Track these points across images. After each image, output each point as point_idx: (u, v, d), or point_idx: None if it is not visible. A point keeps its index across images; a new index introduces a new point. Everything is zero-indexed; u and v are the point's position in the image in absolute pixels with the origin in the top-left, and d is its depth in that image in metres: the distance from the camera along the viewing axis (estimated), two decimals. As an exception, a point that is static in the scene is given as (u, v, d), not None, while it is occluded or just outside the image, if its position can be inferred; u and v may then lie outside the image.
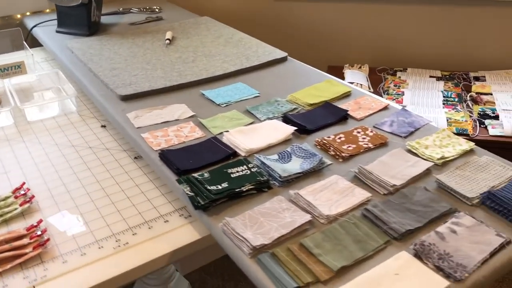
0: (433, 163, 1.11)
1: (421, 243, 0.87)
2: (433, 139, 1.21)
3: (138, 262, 0.98)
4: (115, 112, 1.37)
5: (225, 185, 1.01)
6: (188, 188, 1.00)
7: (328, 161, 1.13)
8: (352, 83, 2.24)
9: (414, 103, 2.17)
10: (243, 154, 1.16)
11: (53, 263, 0.98)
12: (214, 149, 1.17)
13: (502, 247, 0.88)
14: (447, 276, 0.82)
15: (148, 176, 1.24)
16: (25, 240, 1.02)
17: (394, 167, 1.09)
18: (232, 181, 1.03)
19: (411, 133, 1.25)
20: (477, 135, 1.93)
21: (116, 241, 1.03)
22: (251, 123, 1.31)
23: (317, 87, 1.50)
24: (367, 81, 2.38)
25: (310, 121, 1.29)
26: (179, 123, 1.31)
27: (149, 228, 1.07)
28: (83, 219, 1.10)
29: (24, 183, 1.20)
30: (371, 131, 1.24)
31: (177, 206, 1.13)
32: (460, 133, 1.93)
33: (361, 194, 1.01)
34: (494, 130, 1.95)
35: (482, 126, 2.00)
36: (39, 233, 1.03)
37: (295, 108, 1.38)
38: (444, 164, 1.12)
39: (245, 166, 1.07)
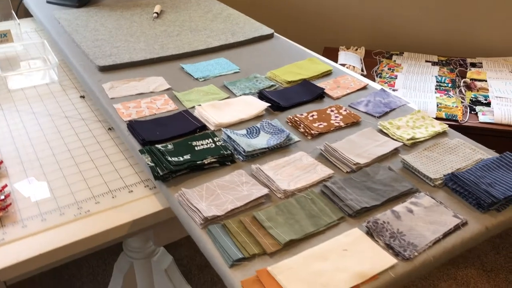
0: (402, 143, 1.09)
1: (374, 221, 0.86)
2: (407, 120, 1.19)
3: (96, 230, 0.98)
4: (92, 82, 1.37)
5: (187, 157, 1.01)
6: (149, 158, 0.99)
7: (296, 138, 1.12)
8: (344, 65, 2.22)
9: (406, 87, 2.14)
10: (212, 128, 1.15)
11: (13, 227, 0.98)
12: (184, 122, 1.16)
13: (457, 228, 0.87)
14: (396, 254, 0.81)
15: (119, 147, 1.24)
16: (-12, 204, 1.02)
17: (361, 146, 1.08)
18: (195, 153, 1.02)
19: (386, 113, 1.23)
20: (466, 121, 1.90)
21: (78, 208, 1.04)
22: (227, 98, 1.29)
23: (298, 65, 1.48)
24: (361, 63, 2.35)
25: (285, 98, 1.28)
26: (153, 96, 1.31)
27: (113, 197, 1.07)
28: (49, 186, 1.10)
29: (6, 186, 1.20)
30: (345, 110, 1.23)
31: (143, 177, 1.13)
32: (450, 118, 1.90)
33: (323, 171, 1.00)
34: (484, 117, 1.92)
35: (472, 112, 1.97)
36: (2, 197, 1.04)
37: (272, 85, 1.36)
38: (413, 145, 1.10)
39: (210, 140, 1.06)
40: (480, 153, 1.06)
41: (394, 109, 1.25)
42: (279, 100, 1.25)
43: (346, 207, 0.90)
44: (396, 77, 2.22)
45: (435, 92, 2.09)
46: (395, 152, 1.08)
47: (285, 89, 1.34)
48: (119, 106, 1.24)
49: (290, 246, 0.82)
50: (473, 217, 0.90)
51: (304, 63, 1.49)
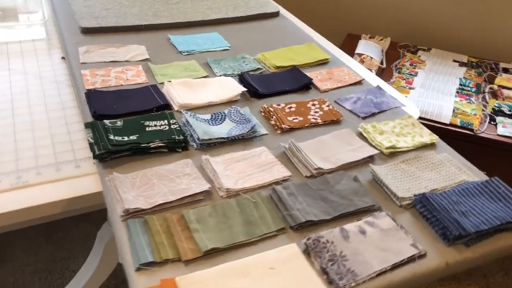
0: (379, 151, 0.97)
1: (316, 239, 0.75)
2: (393, 125, 1.06)
3: (26, 204, 0.91)
4: (69, 43, 1.29)
5: (133, 137, 0.91)
6: (91, 134, 0.91)
7: (264, 130, 1.01)
8: (360, 54, 2.07)
9: (424, 86, 1.97)
10: (175, 108, 1.05)
11: None
12: (147, 97, 1.07)
13: (411, 259, 0.75)
14: (329, 282, 0.70)
15: (82, 117, 1.16)
16: None
17: (332, 149, 0.96)
18: (144, 134, 0.93)
19: (373, 114, 1.10)
20: (482, 132, 1.73)
21: (17, 178, 0.97)
22: (205, 77, 1.19)
23: (294, 49, 1.35)
24: (382, 55, 2.18)
25: (266, 84, 1.16)
26: (127, 65, 1.22)
27: (57, 170, 1.00)
28: (-3, 149, 1.03)
29: (-47, 103, 1.14)
30: (328, 106, 1.10)
31: (96, 152, 1.05)
32: (464, 126, 1.74)
33: (279, 172, 0.89)
34: (503, 129, 1.75)
35: (492, 123, 1.80)
36: None
37: (259, 69, 1.25)
38: (392, 154, 0.98)
39: (166, 121, 0.97)
40: (466, 174, 0.93)
41: (385, 110, 1.12)
42: (258, 85, 1.14)
43: (289, 217, 0.79)
44: (416, 74, 2.06)
45: (455, 96, 1.92)
46: (369, 160, 0.95)
47: (271, 74, 1.23)
48: (87, 72, 1.16)
49: (213, 255, 0.73)
50: (435, 249, 0.77)
51: (301, 48, 1.36)
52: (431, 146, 1.01)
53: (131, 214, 0.77)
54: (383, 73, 2.08)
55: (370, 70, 2.00)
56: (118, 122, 0.95)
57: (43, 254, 1.71)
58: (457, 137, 1.72)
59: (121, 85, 1.12)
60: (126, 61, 1.23)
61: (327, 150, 0.96)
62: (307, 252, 0.74)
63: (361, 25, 2.53)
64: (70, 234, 2.02)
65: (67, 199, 0.93)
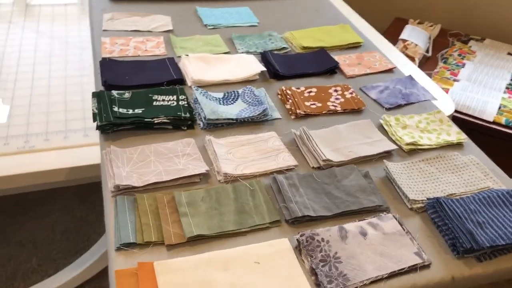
0: (397, 147, 0.89)
1: (310, 236, 0.70)
2: (419, 120, 0.97)
3: (27, 169, 0.90)
4: (95, 9, 1.27)
5: (138, 111, 0.88)
6: (96, 104, 0.88)
7: (277, 114, 0.96)
8: (404, 40, 1.95)
9: (471, 79, 1.84)
10: (189, 83, 1.01)
11: (-48, 147, 0.93)
12: (162, 70, 1.03)
13: (413, 269, 0.68)
14: (317, 284, 0.65)
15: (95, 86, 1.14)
16: None
17: (346, 140, 0.90)
18: (150, 108, 0.90)
19: (399, 106, 1.02)
20: (528, 133, 1.60)
21: (25, 142, 0.97)
22: (226, 53, 1.14)
23: (326, 29, 1.28)
24: (428, 43, 2.05)
25: (288, 65, 1.10)
26: (148, 35, 1.18)
27: (65, 137, 0.99)
28: (10, 112, 1.04)
29: (-24, 62, 1.15)
30: (351, 93, 1.03)
31: (106, 122, 1.03)
32: (510, 126, 1.61)
33: (284, 161, 0.84)
34: (553, 132, 1.60)
35: (541, 124, 1.65)
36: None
37: (284, 48, 1.18)
38: (412, 151, 0.90)
39: (174, 97, 0.93)
40: (492, 180, 0.84)
41: (413, 103, 1.04)
42: (280, 66, 1.08)
43: (285, 209, 0.74)
44: (463, 65, 1.92)
45: (504, 92, 1.78)
46: (385, 155, 0.88)
47: (296, 55, 1.16)
48: (107, 40, 1.13)
49: (198, 242, 0.69)
50: (441, 260, 0.70)
51: (334, 29, 1.28)
52: (457, 146, 0.93)
53: (122, 191, 0.74)
54: (427, 62, 1.96)
55: (413, 58, 1.89)
56: (126, 94, 0.92)
57: (75, 215, 1.74)
58: (500, 137, 1.60)
59: (139, 55, 1.09)
60: (149, 31, 1.20)
61: (341, 141, 0.89)
62: (298, 249, 0.69)
63: (410, 9, 2.39)
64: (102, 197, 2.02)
65: (70, 167, 0.92)
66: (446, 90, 1.73)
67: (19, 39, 1.30)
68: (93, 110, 0.88)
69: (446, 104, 1.21)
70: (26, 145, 0.96)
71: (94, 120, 0.86)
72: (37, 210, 1.53)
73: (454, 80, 1.82)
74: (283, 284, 0.64)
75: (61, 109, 1.06)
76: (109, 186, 0.75)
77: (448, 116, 1.19)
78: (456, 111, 1.64)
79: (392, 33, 2.11)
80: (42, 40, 1.30)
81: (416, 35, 2.02)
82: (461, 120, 1.61)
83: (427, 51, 2.00)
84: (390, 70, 1.15)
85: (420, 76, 1.32)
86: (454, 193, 0.80)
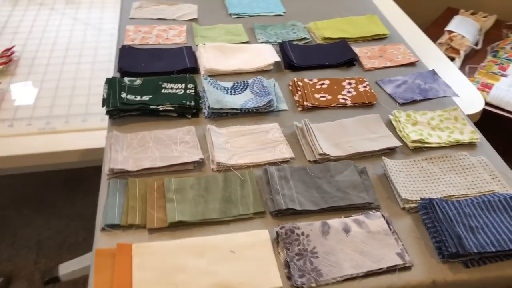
0: (401, 144, 0.87)
1: (290, 229, 0.70)
2: (432, 117, 0.94)
3: (45, 149, 0.96)
4: (127, -3, 1.31)
5: (146, 98, 0.92)
6: (106, 90, 0.92)
7: (283, 106, 0.96)
8: (450, 32, 1.86)
9: (520, 75, 1.72)
10: (202, 72, 1.03)
11: (-19, 125, 1.01)
12: (177, 59, 1.06)
13: (391, 270, 0.67)
14: (288, 277, 0.65)
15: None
16: (-24, 97, 1.06)
17: (349, 135, 0.88)
18: (158, 96, 0.92)
19: (414, 101, 0.99)
20: None
21: (46, 123, 1.03)
22: (245, 43, 1.15)
23: (351, 20, 1.25)
24: (478, 34, 1.94)
25: (305, 56, 1.09)
26: (173, 24, 1.21)
27: (83, 120, 1.04)
28: (37, 94, 1.10)
29: (13, 46, 1.23)
30: (365, 86, 1.01)
31: (124, 107, 1.07)
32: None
33: (281, 153, 0.84)
34: None
35: None
36: (8, 54, 1.06)
37: (305, 38, 1.17)
38: (418, 149, 0.87)
39: (183, 85, 0.95)
40: (499, 184, 0.80)
41: (430, 99, 1.00)
42: (296, 57, 1.08)
43: (271, 201, 0.75)
44: (514, 59, 1.81)
45: (557, 89, 1.65)
46: (388, 152, 0.86)
47: (315, 45, 1.15)
48: (131, 28, 1.17)
49: (180, 228, 0.71)
50: (425, 263, 0.68)
51: (360, 20, 1.25)
52: (470, 146, 0.88)
53: (116, 174, 0.78)
54: (475, 55, 1.86)
55: (458, 50, 1.80)
56: (137, 81, 0.95)
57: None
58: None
59: (159, 43, 1.12)
60: (173, 19, 1.22)
61: (344, 135, 0.88)
62: (277, 241, 0.70)
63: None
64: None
65: (85, 149, 0.97)
66: (490, 86, 1.64)
67: (57, 25, 1.37)
68: (103, 96, 0.92)
69: (475, 100, 1.15)
70: (47, 127, 1.02)
71: (103, 105, 0.90)
72: (86, 187, 1.62)
73: (502, 75, 1.72)
74: (254, 275, 0.65)
75: (84, 93, 1.12)
76: (106, 169, 0.79)
77: (476, 114, 1.13)
78: (498, 107, 1.55)
79: (441, 24, 2.01)
80: (77, 27, 1.37)
81: (465, 26, 1.92)
82: (504, 118, 1.52)
83: (476, 43, 1.90)
84: (412, 64, 1.10)
85: (452, 71, 1.26)
86: (453, 195, 0.77)
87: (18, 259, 1.46)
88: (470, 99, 1.16)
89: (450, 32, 1.86)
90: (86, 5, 1.48)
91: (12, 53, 1.22)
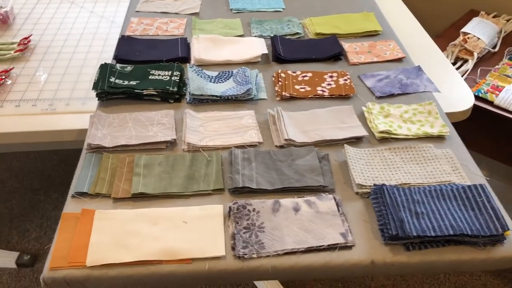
0: (367, 134, 0.90)
1: (242, 205, 0.75)
2: (406, 110, 0.96)
3: (44, 128, 1.05)
4: (137, -8, 1.40)
5: (133, 82, 0.99)
6: (98, 74, 1.00)
7: (263, 95, 1.00)
8: (465, 34, 1.84)
9: (534, 78, 1.69)
10: (192, 62, 1.09)
11: (-8, 105, 1.11)
12: (171, 49, 1.12)
13: (332, 248, 0.71)
14: (232, 247, 0.70)
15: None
16: (-9, 80, 1.16)
17: (318, 123, 0.92)
18: (144, 81, 0.99)
19: (392, 95, 1.01)
20: None
21: (49, 104, 1.12)
22: (240, 36, 1.20)
23: (347, 17, 1.28)
24: (497, 37, 1.91)
25: (293, 50, 1.13)
26: (174, 17, 1.28)
27: (83, 103, 1.12)
28: (46, 79, 1.20)
29: (30, 35, 1.34)
30: (346, 80, 1.04)
31: (121, 93, 1.15)
32: None
33: (250, 137, 0.89)
34: None
35: None
36: (2, 77, 1.17)
37: (297, 33, 1.21)
38: (385, 140, 0.90)
39: (170, 72, 1.02)
40: (459, 175, 0.82)
41: (409, 93, 1.02)
42: (284, 50, 1.12)
43: (230, 180, 0.80)
44: (531, 63, 1.77)
45: None
46: (355, 141, 0.89)
47: (305, 40, 1.19)
48: (135, 20, 1.25)
49: (143, 200, 0.77)
50: (368, 244, 0.71)
51: (355, 17, 1.28)
52: (439, 138, 0.90)
53: (93, 149, 0.85)
54: (491, 58, 1.84)
55: (472, 52, 1.78)
56: (128, 68, 1.02)
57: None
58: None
59: (158, 35, 1.20)
60: (176, 13, 1.29)
61: (313, 123, 0.92)
62: (228, 215, 0.75)
63: (489, 2, 2.23)
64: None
65: (81, 129, 1.05)
66: (501, 88, 1.62)
67: (74, 17, 1.47)
68: (94, 79, 0.99)
69: (465, 97, 1.16)
70: (50, 108, 1.11)
71: (93, 88, 0.97)
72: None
73: (514, 79, 1.69)
74: (200, 243, 0.70)
75: (88, 79, 1.20)
76: (85, 144, 0.86)
77: (467, 110, 1.14)
78: (507, 110, 1.53)
79: (460, 26, 1.99)
80: (92, 19, 1.46)
81: (482, 29, 1.89)
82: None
83: (494, 46, 1.88)
84: (399, 60, 1.12)
85: (445, 68, 1.27)
86: (409, 183, 0.80)
87: (45, 239, 1.57)
88: (460, 95, 1.16)
89: (465, 33, 1.84)
90: (103, 0, 1.58)
91: (29, 41, 1.32)
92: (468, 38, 1.81)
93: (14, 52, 1.27)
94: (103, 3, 1.55)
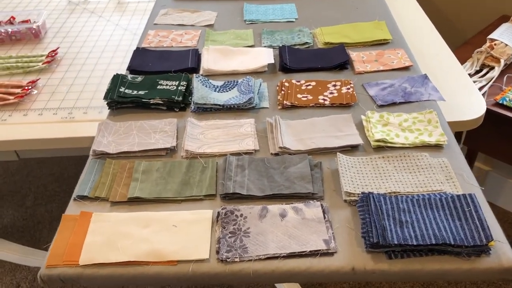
0: (362, 143, 0.91)
1: (231, 210, 0.78)
2: (405, 119, 0.96)
3: (64, 135, 1.11)
4: (158, 5, 1.46)
5: (142, 92, 1.04)
6: (109, 85, 1.06)
7: (265, 104, 1.03)
8: (492, 40, 1.80)
9: None
10: (200, 72, 1.14)
11: (17, 112, 1.19)
12: (182, 60, 1.17)
13: (314, 254, 0.72)
14: (217, 251, 0.73)
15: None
16: (18, 90, 1.25)
17: (315, 132, 0.94)
18: (152, 91, 1.04)
19: (393, 104, 1.01)
20: None
21: (69, 113, 1.19)
22: (250, 46, 1.24)
23: (357, 26, 1.29)
24: (527, 43, 1.85)
25: (300, 59, 1.16)
26: (190, 29, 1.33)
27: (99, 112, 1.19)
28: (69, 89, 1.27)
29: (58, 48, 1.43)
30: (349, 88, 1.05)
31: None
32: None
33: (247, 145, 0.92)
34: None
35: None
36: (29, 87, 1.25)
37: (307, 43, 1.23)
38: (380, 149, 0.90)
39: (177, 82, 1.06)
40: (452, 185, 0.81)
41: (412, 102, 1.02)
42: (291, 60, 1.15)
43: (222, 186, 0.83)
44: (562, 69, 1.71)
45: None
46: (350, 150, 0.90)
47: (313, 50, 1.21)
48: (152, 32, 1.31)
49: (139, 204, 0.82)
50: (351, 252, 0.72)
51: (365, 26, 1.29)
52: (436, 147, 0.90)
53: (98, 155, 0.90)
54: (518, 65, 1.79)
55: (498, 59, 1.74)
56: (139, 78, 1.08)
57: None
58: None
59: (172, 46, 1.25)
60: (191, 25, 1.34)
61: (310, 132, 0.93)
62: (217, 220, 0.78)
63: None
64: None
65: (94, 136, 1.11)
66: (525, 96, 1.57)
67: (100, 30, 1.55)
68: (106, 89, 1.05)
69: (476, 106, 1.14)
70: (69, 116, 1.18)
71: (104, 98, 1.03)
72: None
73: (541, 86, 1.64)
74: (186, 246, 0.73)
75: (106, 89, 1.27)
76: (91, 150, 0.91)
77: (479, 118, 1.13)
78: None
79: (490, 32, 1.95)
80: (117, 32, 1.53)
81: (510, 35, 1.84)
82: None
83: (523, 52, 1.82)
84: (406, 68, 1.12)
85: (459, 76, 1.25)
86: (399, 192, 0.80)
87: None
88: (471, 103, 1.15)
89: (492, 40, 1.80)
90: (130, 13, 1.65)
91: (56, 53, 1.41)
92: (495, 44, 1.77)
93: (42, 64, 1.35)
94: (128, 16, 1.62)
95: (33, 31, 1.50)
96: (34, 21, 1.53)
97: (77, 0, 1.74)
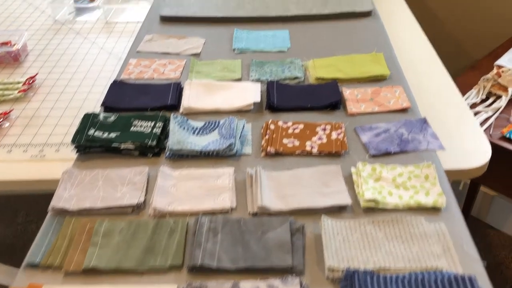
0: (351, 202, 0.81)
1: (198, 287, 0.69)
2: (400, 172, 0.86)
3: (28, 176, 1.03)
4: (143, 30, 1.38)
5: (113, 135, 0.95)
6: (78, 126, 0.97)
7: (247, 150, 0.94)
8: (500, 67, 1.70)
9: None
10: (180, 110, 1.05)
11: (-15, 149, 1.11)
12: (162, 95, 1.08)
13: None
14: (177, 338, 0.64)
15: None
16: (-12, 122, 1.17)
17: (299, 187, 0.84)
18: (125, 133, 0.96)
19: (388, 154, 0.92)
20: None
21: (40, 151, 1.11)
22: (237, 80, 1.15)
23: (353, 58, 1.19)
24: (538, 69, 1.75)
25: (289, 97, 1.06)
26: (173, 58, 1.25)
27: (72, 150, 1.09)
28: (43, 121, 1.19)
29: (37, 74, 1.35)
30: (339, 133, 0.96)
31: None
32: None
33: (223, 201, 0.83)
34: None
35: None
36: (0, 120, 1.17)
37: (297, 78, 1.14)
38: (369, 210, 0.81)
39: (152, 123, 0.98)
40: (448, 258, 0.72)
41: (408, 151, 0.92)
42: (278, 98, 1.06)
43: (189, 256, 0.74)
44: None
45: None
46: (337, 210, 0.81)
47: (304, 86, 1.12)
48: (133, 61, 1.23)
49: (96, 273, 0.73)
50: None
51: (362, 58, 1.19)
52: (431, 211, 0.80)
53: (57, 212, 0.82)
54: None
55: (506, 88, 1.63)
56: (112, 117, 0.99)
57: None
58: None
59: (153, 78, 1.16)
60: (177, 53, 1.26)
61: (294, 187, 0.84)
62: (181, 298, 0.69)
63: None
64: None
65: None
66: (532, 129, 1.47)
67: (84, 53, 1.47)
68: (75, 131, 0.97)
69: (480, 152, 1.05)
70: (39, 154, 1.09)
71: (71, 141, 0.94)
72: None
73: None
74: (142, 332, 0.64)
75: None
76: (50, 205, 0.83)
77: (483, 166, 1.03)
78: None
79: (498, 55, 1.85)
80: (101, 56, 1.45)
81: (520, 60, 1.74)
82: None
83: (533, 78, 1.71)
84: (403, 110, 1.03)
85: (462, 114, 1.16)
86: (388, 269, 0.70)
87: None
88: (474, 150, 1.05)
89: (499, 67, 1.69)
90: (117, 34, 1.57)
91: (34, 81, 1.33)
92: (503, 71, 1.66)
93: (18, 92, 1.27)
94: (115, 37, 1.54)
95: (12, 54, 1.42)
96: (15, 43, 1.45)
97: (63, 19, 1.66)
